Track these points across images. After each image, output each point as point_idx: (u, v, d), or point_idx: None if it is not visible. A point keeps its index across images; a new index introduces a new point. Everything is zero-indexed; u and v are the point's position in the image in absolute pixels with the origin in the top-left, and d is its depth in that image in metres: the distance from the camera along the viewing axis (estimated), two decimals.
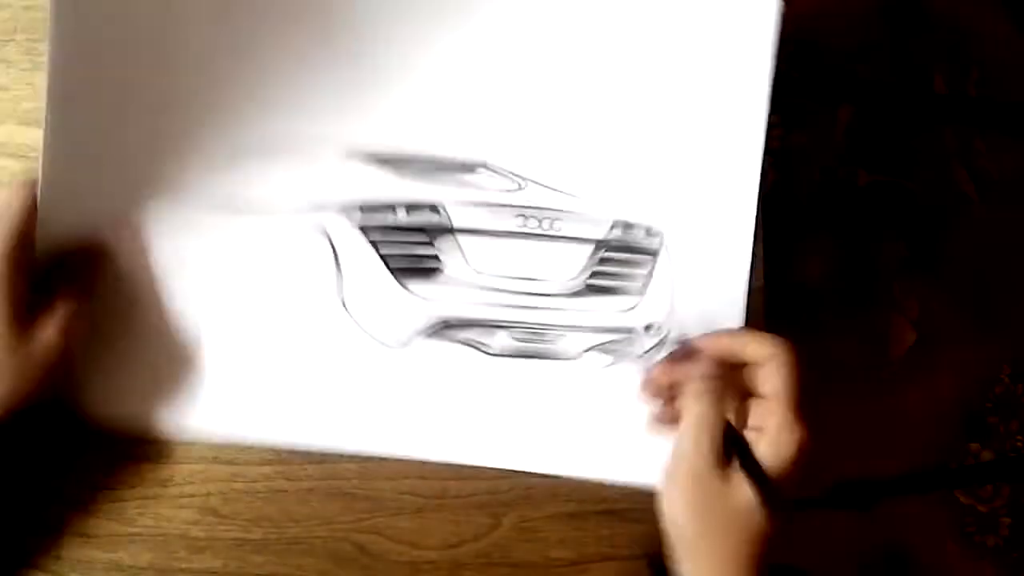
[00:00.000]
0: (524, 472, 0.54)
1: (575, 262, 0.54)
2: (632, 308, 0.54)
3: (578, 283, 0.54)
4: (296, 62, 0.52)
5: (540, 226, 0.54)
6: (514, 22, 0.53)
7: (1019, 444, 1.26)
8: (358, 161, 0.53)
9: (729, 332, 0.53)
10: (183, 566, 0.54)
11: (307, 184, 0.52)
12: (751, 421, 0.50)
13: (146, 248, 0.52)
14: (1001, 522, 1.25)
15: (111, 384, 0.52)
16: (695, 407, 0.49)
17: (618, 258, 0.54)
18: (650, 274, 0.55)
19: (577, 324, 0.54)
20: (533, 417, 0.54)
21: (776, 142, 1.18)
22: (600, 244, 0.54)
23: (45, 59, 0.54)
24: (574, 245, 0.54)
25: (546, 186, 0.54)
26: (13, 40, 0.55)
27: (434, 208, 0.53)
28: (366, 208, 0.52)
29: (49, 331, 0.48)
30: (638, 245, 0.54)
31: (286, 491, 0.54)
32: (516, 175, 0.54)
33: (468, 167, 0.53)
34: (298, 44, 0.52)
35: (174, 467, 0.54)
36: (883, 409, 1.25)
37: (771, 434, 0.48)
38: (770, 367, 0.49)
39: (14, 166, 0.55)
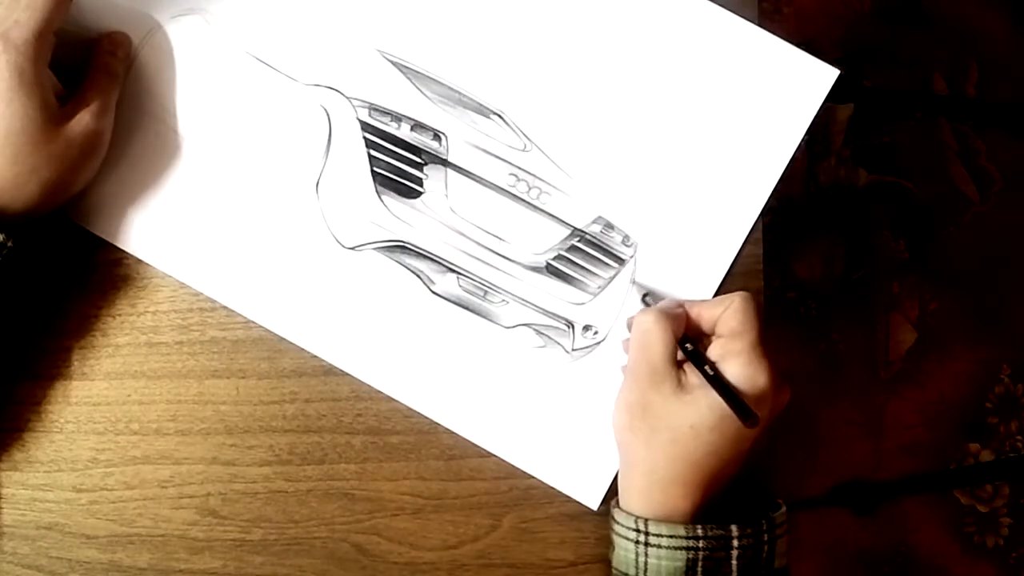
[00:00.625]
0: (523, 473, 0.55)
1: (546, 239, 0.55)
2: (581, 304, 0.55)
3: (541, 260, 0.55)
4: None
5: (528, 193, 0.54)
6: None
7: (1019, 444, 1.26)
8: (387, 62, 0.54)
9: (685, 303, 0.52)
10: (182, 567, 0.54)
11: (333, 62, 0.54)
12: (712, 356, 0.50)
13: (166, 62, 0.54)
14: (1001, 522, 1.25)
15: (102, 189, 0.54)
16: (640, 320, 0.50)
17: (587, 252, 0.55)
18: (611, 280, 0.55)
19: (524, 297, 0.54)
20: (454, 368, 0.54)
21: None
22: (576, 232, 0.55)
23: None
24: (552, 223, 0.55)
25: (549, 157, 0.54)
26: None
27: (437, 135, 0.54)
28: (376, 109, 0.54)
29: (85, 116, 0.49)
30: (611, 248, 0.55)
31: (285, 492, 0.54)
32: (526, 136, 0.54)
33: (485, 111, 0.54)
34: None
35: (174, 467, 0.54)
36: (883, 409, 1.25)
37: (738, 364, 0.48)
38: (727, 313, 0.49)
39: None
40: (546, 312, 0.55)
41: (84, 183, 0.52)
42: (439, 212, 0.54)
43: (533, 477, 0.54)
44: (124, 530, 0.54)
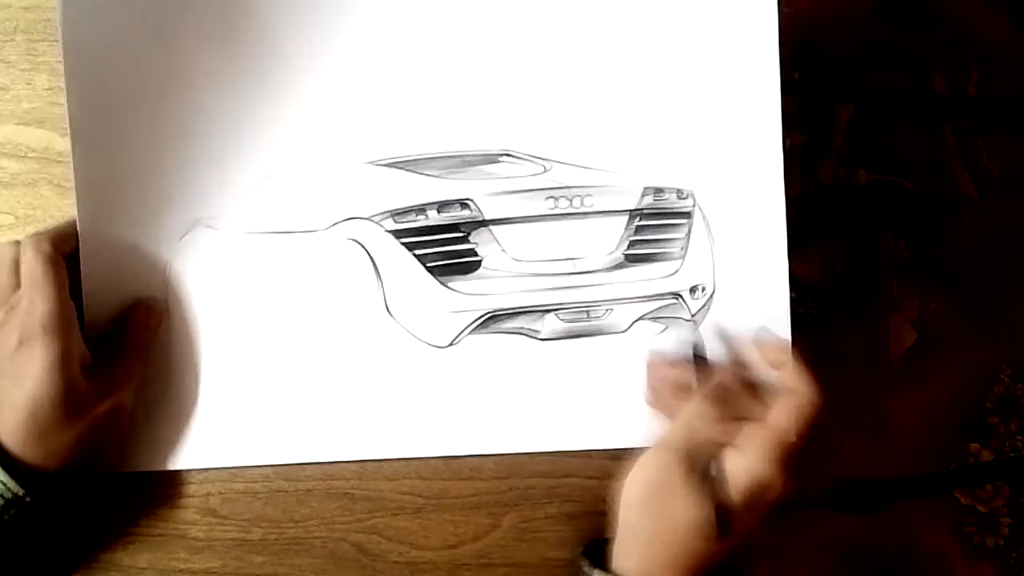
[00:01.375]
0: (524, 462, 0.54)
1: (611, 235, 0.54)
2: (675, 273, 0.55)
3: (617, 256, 0.54)
4: (306, 79, 0.53)
5: (571, 205, 0.54)
6: (515, 9, 0.54)
7: (1019, 444, 1.26)
8: (383, 168, 0.53)
9: (768, 346, 0.53)
10: (182, 566, 0.54)
11: (335, 198, 0.53)
12: (736, 441, 0.49)
13: (182, 289, 0.53)
14: (1001, 522, 1.25)
15: (144, 439, 0.53)
16: (693, 407, 0.49)
17: (653, 224, 0.54)
18: (687, 236, 0.55)
19: (622, 297, 0.54)
20: (590, 396, 0.54)
21: None
22: (634, 213, 0.54)
23: (45, 60, 0.54)
24: (607, 218, 0.54)
25: (571, 164, 0.54)
26: (13, 40, 0.55)
27: (464, 203, 0.53)
28: (397, 213, 0.53)
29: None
30: (671, 209, 0.54)
31: (285, 491, 0.54)
32: (539, 158, 0.54)
33: (491, 157, 0.54)
34: (306, 63, 0.53)
35: None
36: (883, 409, 1.25)
37: (749, 460, 0.48)
38: (785, 402, 0.49)
39: (14, 166, 0.55)
40: (650, 298, 0.54)
41: (106, 449, 0.51)
42: (505, 268, 0.54)
43: (533, 477, 0.54)
44: (123, 529, 0.54)
